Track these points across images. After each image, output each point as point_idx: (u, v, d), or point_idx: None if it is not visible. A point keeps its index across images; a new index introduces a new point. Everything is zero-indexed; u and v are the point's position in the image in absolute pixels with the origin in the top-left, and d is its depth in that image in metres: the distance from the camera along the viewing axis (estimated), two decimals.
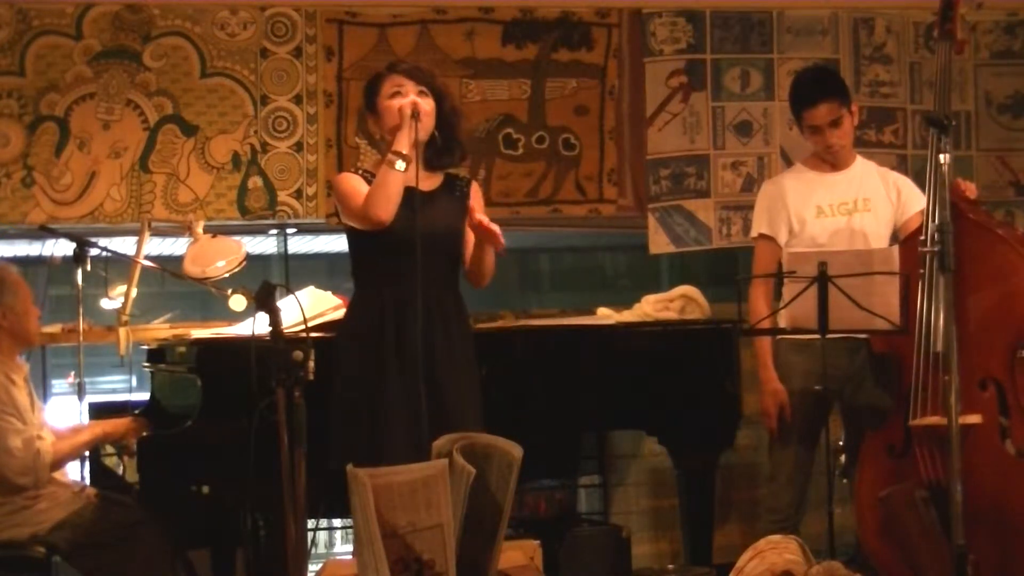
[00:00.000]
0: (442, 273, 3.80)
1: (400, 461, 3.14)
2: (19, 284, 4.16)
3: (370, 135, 5.39)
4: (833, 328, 3.96)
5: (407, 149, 3.69)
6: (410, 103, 3.72)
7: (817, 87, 4.44)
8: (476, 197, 3.94)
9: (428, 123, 3.76)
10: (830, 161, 4.48)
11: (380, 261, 3.77)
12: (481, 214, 3.78)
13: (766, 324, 4.25)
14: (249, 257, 4.79)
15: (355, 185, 3.80)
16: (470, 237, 3.87)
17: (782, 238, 4.45)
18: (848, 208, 4.44)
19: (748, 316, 4.35)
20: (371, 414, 3.70)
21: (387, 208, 3.68)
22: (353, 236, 3.85)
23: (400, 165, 3.68)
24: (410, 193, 3.70)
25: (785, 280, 4.07)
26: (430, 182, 3.83)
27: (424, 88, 3.81)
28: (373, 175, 3.83)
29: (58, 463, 4.13)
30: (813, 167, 4.53)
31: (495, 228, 3.73)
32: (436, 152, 3.83)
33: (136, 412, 4.58)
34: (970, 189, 4.14)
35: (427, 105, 3.77)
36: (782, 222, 4.45)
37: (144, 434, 4.13)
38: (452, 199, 3.88)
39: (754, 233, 4.54)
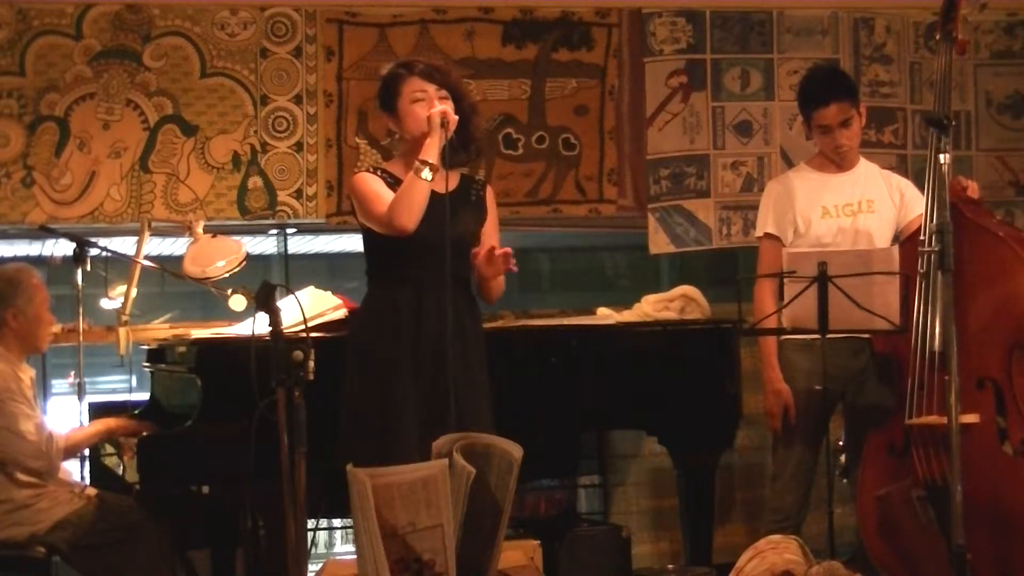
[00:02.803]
0: (458, 275, 3.77)
1: (412, 461, 3.13)
2: (36, 289, 4.20)
3: (371, 135, 5.42)
4: (833, 328, 3.96)
5: (434, 159, 3.68)
6: (440, 112, 3.70)
7: (829, 87, 4.43)
8: (492, 202, 3.96)
9: (455, 120, 3.74)
10: (837, 162, 4.48)
11: (399, 262, 3.76)
12: (498, 247, 3.76)
13: (768, 323, 4.24)
14: (249, 257, 4.78)
15: (376, 188, 3.78)
16: (487, 240, 3.87)
17: (788, 237, 4.44)
18: (852, 209, 4.45)
19: (751, 315, 4.35)
20: (383, 414, 3.69)
21: (412, 217, 3.67)
22: (370, 236, 3.83)
23: (427, 174, 3.66)
24: (434, 196, 3.69)
25: (785, 280, 4.07)
26: (450, 181, 3.80)
27: (444, 90, 3.80)
28: (390, 175, 3.82)
29: (70, 451, 4.19)
30: (818, 167, 4.53)
31: (508, 252, 3.73)
32: (452, 150, 3.79)
33: (136, 412, 4.58)
34: (972, 188, 4.14)
35: (449, 107, 3.76)
36: (788, 222, 4.45)
37: (144, 434, 4.14)
38: (469, 202, 3.88)
39: (759, 232, 4.54)
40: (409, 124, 3.79)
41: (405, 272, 3.76)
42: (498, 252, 3.73)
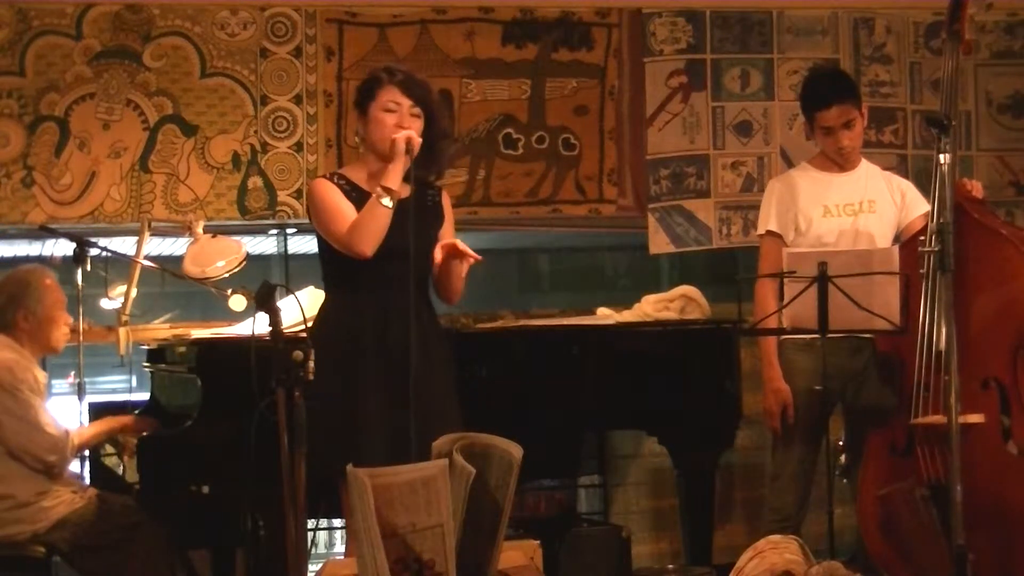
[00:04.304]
0: (416, 280, 3.73)
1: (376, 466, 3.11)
2: (47, 290, 4.24)
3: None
4: (833, 328, 3.96)
5: (396, 185, 3.65)
6: (405, 137, 3.66)
7: (831, 89, 4.44)
8: (448, 206, 3.92)
9: (419, 143, 3.70)
10: (839, 162, 4.48)
11: (357, 268, 3.71)
12: (454, 241, 3.74)
13: (769, 323, 4.24)
14: (249, 257, 4.79)
15: (335, 201, 3.74)
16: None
17: (789, 236, 4.44)
18: (854, 209, 4.45)
19: (751, 315, 4.35)
20: (348, 420, 3.66)
21: (371, 244, 3.65)
22: (326, 244, 3.80)
23: (387, 202, 3.64)
24: (397, 203, 3.65)
25: (785, 280, 4.07)
26: (403, 189, 3.73)
27: (418, 107, 3.76)
28: (348, 181, 3.79)
29: (82, 447, 4.24)
30: (820, 167, 4.53)
31: (467, 250, 3.71)
32: (414, 166, 3.73)
33: (136, 412, 4.58)
34: (976, 188, 4.14)
35: (417, 126, 3.73)
36: (790, 220, 4.45)
37: (144, 434, 4.15)
38: (424, 207, 3.82)
39: (761, 230, 4.53)
40: (374, 130, 3.76)
41: (364, 279, 3.72)
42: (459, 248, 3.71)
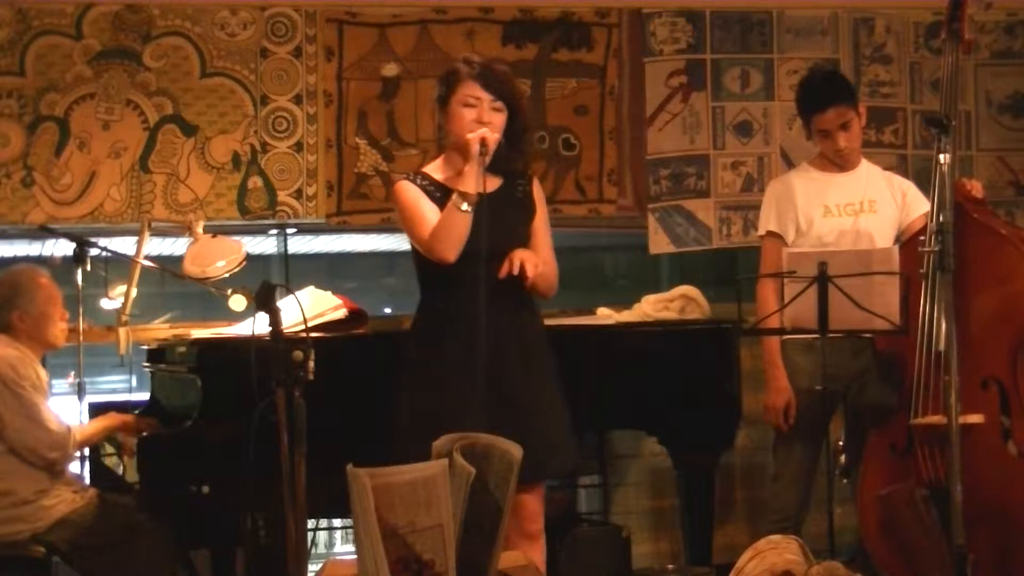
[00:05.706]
0: (508, 278, 3.64)
1: None
2: (39, 288, 4.25)
3: (371, 135, 5.43)
4: (834, 328, 3.96)
5: (473, 189, 3.55)
6: (477, 138, 3.57)
7: (826, 91, 4.43)
8: (540, 195, 3.82)
9: (495, 140, 3.61)
10: (838, 163, 4.48)
11: (446, 269, 3.63)
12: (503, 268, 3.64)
13: (769, 323, 4.24)
14: (249, 257, 4.79)
15: (417, 204, 3.67)
16: (537, 235, 3.76)
17: (790, 236, 4.44)
18: (854, 209, 4.45)
19: (751, 315, 4.35)
20: (434, 420, 3.62)
21: (453, 249, 3.57)
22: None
23: (465, 207, 3.55)
24: (477, 198, 3.57)
25: (785, 280, 4.07)
26: (491, 183, 3.66)
27: (498, 101, 3.66)
28: (430, 180, 3.72)
29: (82, 444, 4.25)
30: (820, 167, 4.53)
31: (524, 265, 3.62)
32: (497, 158, 3.66)
33: (136, 412, 4.58)
34: (976, 188, 4.14)
35: (498, 121, 3.65)
36: (790, 220, 4.45)
37: (144, 434, 4.15)
38: (513, 200, 3.76)
39: (761, 231, 4.54)
40: (454, 125, 3.67)
41: (453, 280, 3.65)
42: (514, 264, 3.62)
